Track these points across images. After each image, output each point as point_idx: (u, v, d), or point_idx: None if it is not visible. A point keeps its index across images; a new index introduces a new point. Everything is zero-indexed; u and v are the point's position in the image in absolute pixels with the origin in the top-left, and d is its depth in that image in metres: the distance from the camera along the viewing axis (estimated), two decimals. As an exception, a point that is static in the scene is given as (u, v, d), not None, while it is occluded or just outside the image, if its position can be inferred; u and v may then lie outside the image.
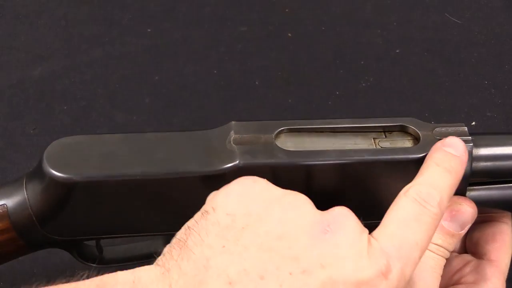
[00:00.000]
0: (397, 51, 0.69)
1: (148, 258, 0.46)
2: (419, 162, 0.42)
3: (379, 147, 0.43)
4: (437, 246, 0.43)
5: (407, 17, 0.71)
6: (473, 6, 0.71)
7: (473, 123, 0.64)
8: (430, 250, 0.43)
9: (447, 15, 0.71)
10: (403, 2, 0.72)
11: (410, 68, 0.68)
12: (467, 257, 0.48)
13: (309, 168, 0.42)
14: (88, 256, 0.46)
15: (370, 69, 0.68)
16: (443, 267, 0.43)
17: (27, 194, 0.42)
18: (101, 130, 0.64)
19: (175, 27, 0.71)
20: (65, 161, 0.41)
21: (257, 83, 0.67)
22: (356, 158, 0.42)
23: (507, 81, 0.66)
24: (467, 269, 0.47)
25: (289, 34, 0.70)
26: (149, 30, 0.71)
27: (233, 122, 0.43)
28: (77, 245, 0.46)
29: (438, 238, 0.43)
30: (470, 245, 0.48)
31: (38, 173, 0.41)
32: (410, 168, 0.42)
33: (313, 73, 0.68)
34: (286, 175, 0.42)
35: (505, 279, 0.47)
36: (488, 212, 0.47)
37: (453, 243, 0.44)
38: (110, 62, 0.69)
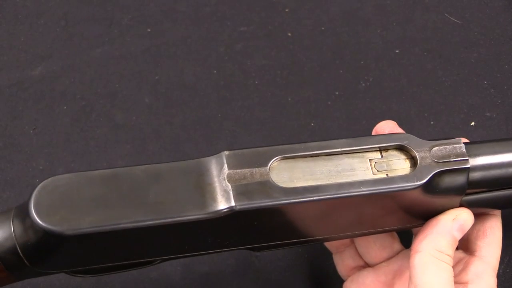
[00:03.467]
0: (397, 51, 0.69)
1: (143, 265, 0.45)
2: (417, 188, 0.42)
3: (376, 171, 0.43)
4: (449, 257, 0.44)
5: (407, 17, 0.71)
6: (473, 6, 0.71)
7: (473, 123, 0.64)
8: (444, 262, 0.43)
9: (447, 15, 0.71)
10: (403, 2, 0.72)
11: (410, 68, 0.68)
12: (458, 253, 0.48)
13: (306, 204, 0.41)
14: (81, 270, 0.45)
15: (370, 69, 0.68)
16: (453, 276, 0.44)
17: (15, 235, 0.41)
18: (101, 130, 0.64)
19: (175, 27, 0.71)
20: (54, 210, 0.40)
21: (256, 82, 0.67)
22: (353, 191, 0.42)
23: (506, 81, 0.66)
24: (460, 267, 0.47)
25: (289, 34, 0.70)
26: (149, 30, 0.71)
27: (225, 152, 0.42)
28: None
29: (449, 248, 0.44)
30: (460, 241, 0.48)
31: (26, 217, 0.40)
32: (407, 193, 0.42)
33: (313, 73, 0.68)
34: (282, 211, 0.41)
35: (496, 273, 0.47)
36: (478, 211, 0.47)
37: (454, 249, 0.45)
38: (110, 62, 0.69)
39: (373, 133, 0.49)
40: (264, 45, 0.70)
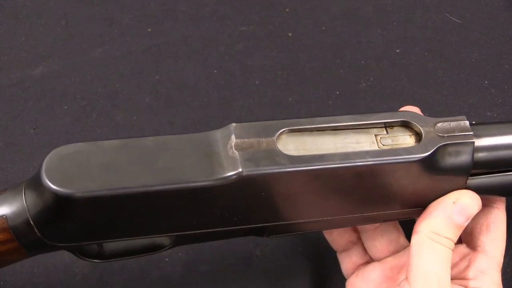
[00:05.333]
0: (397, 51, 0.69)
1: (150, 251, 0.46)
2: (421, 161, 0.42)
3: (381, 146, 0.43)
4: (447, 240, 0.44)
5: (407, 17, 0.71)
6: (473, 6, 0.71)
7: (473, 122, 0.64)
8: (441, 244, 0.43)
9: (447, 15, 0.71)
10: (403, 2, 0.72)
11: (410, 68, 0.68)
12: (462, 249, 0.48)
13: (311, 172, 0.41)
14: (88, 252, 0.46)
15: (370, 69, 0.68)
16: (451, 258, 0.43)
17: (26, 204, 0.42)
18: (101, 130, 0.64)
19: (175, 27, 0.71)
20: (65, 174, 0.40)
21: (257, 82, 0.67)
22: (359, 161, 0.42)
23: (507, 81, 0.67)
24: (464, 263, 0.47)
25: (289, 34, 0.70)
26: (149, 30, 0.71)
27: (233, 124, 0.42)
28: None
29: (448, 231, 0.44)
30: (464, 235, 0.48)
31: (37, 185, 0.41)
32: (412, 166, 0.42)
33: (313, 73, 0.68)
34: (288, 180, 0.42)
35: (500, 268, 0.47)
36: (485, 198, 0.47)
37: (459, 234, 0.44)
38: (110, 62, 0.69)
39: None
40: (264, 45, 0.70)
